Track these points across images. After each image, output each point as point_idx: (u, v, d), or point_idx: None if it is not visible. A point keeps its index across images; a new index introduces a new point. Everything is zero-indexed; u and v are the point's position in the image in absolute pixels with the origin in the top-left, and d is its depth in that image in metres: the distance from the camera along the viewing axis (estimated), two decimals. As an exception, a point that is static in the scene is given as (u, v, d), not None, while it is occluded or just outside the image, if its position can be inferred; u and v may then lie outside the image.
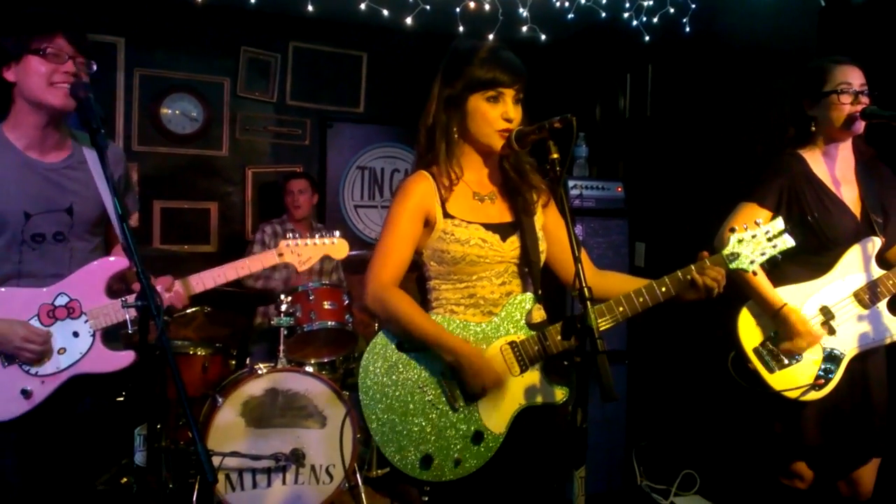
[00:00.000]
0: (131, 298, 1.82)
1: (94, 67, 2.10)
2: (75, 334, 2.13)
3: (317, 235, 2.54)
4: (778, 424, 2.48)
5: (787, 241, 1.99)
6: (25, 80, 2.04)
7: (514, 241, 2.03)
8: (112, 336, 2.19)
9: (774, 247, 1.98)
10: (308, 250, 2.51)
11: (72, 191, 2.16)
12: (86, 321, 2.13)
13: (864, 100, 2.40)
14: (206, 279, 2.28)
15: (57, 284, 2.13)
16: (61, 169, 2.16)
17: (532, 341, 1.97)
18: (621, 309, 1.94)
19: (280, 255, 2.45)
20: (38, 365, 2.09)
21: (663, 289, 1.96)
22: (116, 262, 2.19)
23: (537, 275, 2.05)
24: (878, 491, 2.57)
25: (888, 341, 2.44)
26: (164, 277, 2.23)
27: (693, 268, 1.96)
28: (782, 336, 2.42)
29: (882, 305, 2.43)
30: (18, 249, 2.11)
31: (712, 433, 3.82)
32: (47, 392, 2.10)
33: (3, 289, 2.10)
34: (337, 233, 2.58)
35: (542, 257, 2.08)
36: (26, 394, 2.07)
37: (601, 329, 1.90)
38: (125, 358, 2.17)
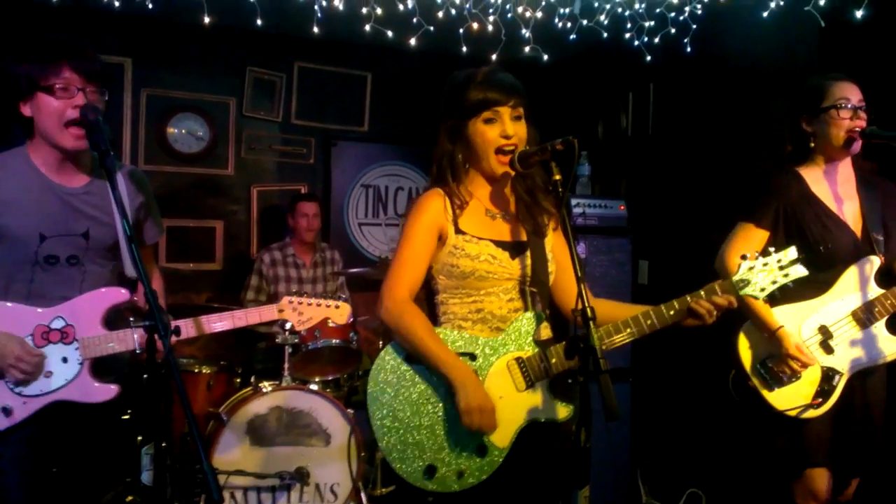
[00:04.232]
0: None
1: (107, 95, 2.11)
2: (64, 360, 2.14)
3: (322, 301, 2.50)
4: (780, 440, 2.48)
5: (800, 271, 2.00)
6: (39, 117, 2.07)
7: (522, 260, 2.06)
8: (104, 368, 2.19)
9: (786, 276, 2.00)
10: (310, 311, 2.48)
11: (89, 216, 2.18)
12: (76, 349, 2.14)
13: (863, 115, 2.43)
14: (202, 326, 2.26)
15: (56, 307, 2.14)
16: (81, 194, 2.18)
17: (537, 358, 1.99)
18: (629, 331, 1.97)
19: (280, 311, 2.42)
20: (23, 385, 2.10)
21: (671, 312, 1.98)
22: (118, 293, 2.20)
23: (546, 294, 2.08)
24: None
25: (882, 361, 2.44)
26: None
27: (703, 292, 1.98)
28: (776, 357, 2.43)
29: (881, 325, 2.44)
30: (31, 269, 2.13)
31: (717, 452, 3.80)
32: (28, 412, 2.10)
33: (3, 303, 2.12)
34: (342, 296, 2.56)
35: (552, 278, 2.11)
36: (6, 411, 2.08)
37: (609, 348, 1.94)
38: (108, 392, 2.17)
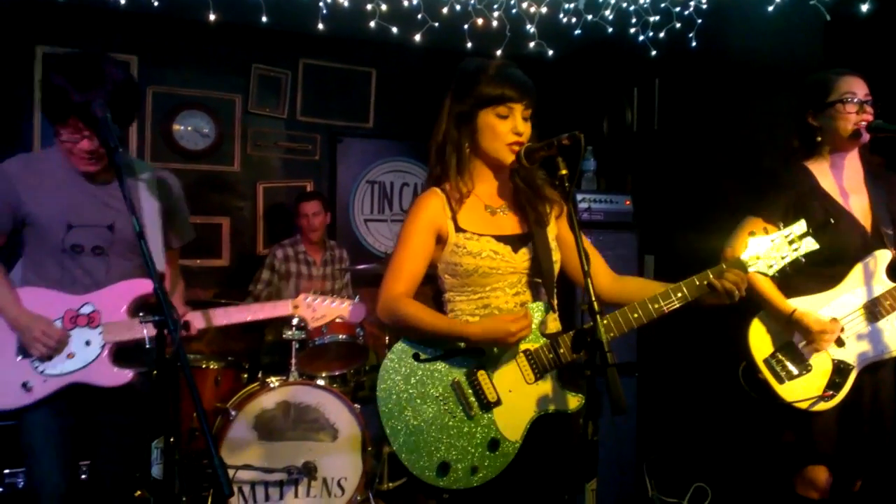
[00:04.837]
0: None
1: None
2: (87, 343, 2.24)
3: (337, 299, 2.60)
4: (789, 433, 2.49)
5: (810, 245, 1.98)
6: (56, 141, 2.17)
7: (525, 253, 2.06)
8: (125, 355, 2.27)
9: (796, 250, 1.98)
10: (324, 309, 2.58)
11: (115, 209, 2.26)
12: (100, 332, 2.24)
13: (869, 109, 2.42)
14: (217, 317, 2.37)
15: (86, 294, 2.25)
16: (109, 189, 2.27)
17: (546, 349, 2.00)
18: (636, 315, 1.97)
19: (295, 307, 2.53)
20: (46, 362, 2.19)
21: (679, 294, 1.98)
22: (146, 284, 2.28)
23: (551, 285, 2.09)
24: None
25: (888, 356, 2.44)
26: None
27: (710, 272, 1.98)
28: (804, 339, 2.42)
29: (891, 318, 2.44)
30: (59, 257, 2.24)
31: (724, 446, 3.81)
32: (47, 391, 2.19)
33: (39, 288, 2.24)
34: (357, 297, 2.64)
35: (556, 268, 2.11)
36: (27, 387, 2.18)
37: (615, 335, 1.94)
38: (123, 376, 2.25)
